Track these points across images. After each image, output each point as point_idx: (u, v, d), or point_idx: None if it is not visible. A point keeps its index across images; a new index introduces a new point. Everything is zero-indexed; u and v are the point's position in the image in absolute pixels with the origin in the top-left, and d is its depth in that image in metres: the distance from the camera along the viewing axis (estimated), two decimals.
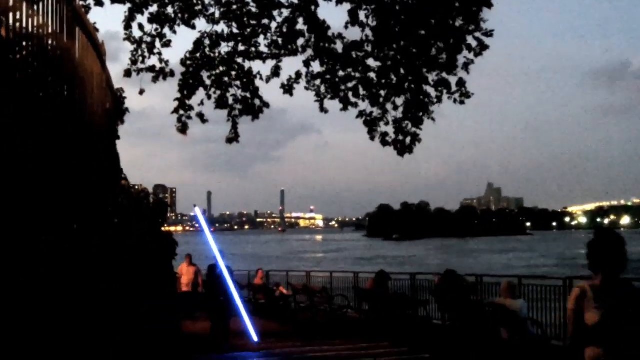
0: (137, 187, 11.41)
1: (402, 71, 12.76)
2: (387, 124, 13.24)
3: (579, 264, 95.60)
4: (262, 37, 13.22)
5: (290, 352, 12.60)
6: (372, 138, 13.38)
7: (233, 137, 14.05)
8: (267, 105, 13.92)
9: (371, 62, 12.95)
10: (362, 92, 13.08)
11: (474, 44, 11.79)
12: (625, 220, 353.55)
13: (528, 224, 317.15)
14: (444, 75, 12.41)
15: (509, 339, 11.86)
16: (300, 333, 16.10)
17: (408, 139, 13.16)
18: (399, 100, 13.14)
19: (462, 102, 12.62)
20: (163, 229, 12.00)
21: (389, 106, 13.18)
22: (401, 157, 13.31)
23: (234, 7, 12.99)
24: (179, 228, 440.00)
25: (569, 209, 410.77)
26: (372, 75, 12.99)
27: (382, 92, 13.13)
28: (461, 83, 12.43)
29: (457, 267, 16.80)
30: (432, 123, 13.10)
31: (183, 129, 13.99)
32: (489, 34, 11.60)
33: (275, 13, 12.80)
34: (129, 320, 8.53)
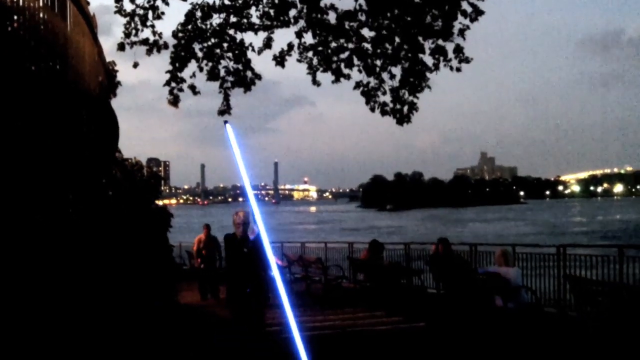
0: (130, 160, 11.39)
1: (397, 40, 12.74)
2: (384, 93, 13.25)
3: (567, 232, 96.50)
4: (253, 8, 13.15)
5: (285, 322, 12.67)
6: (372, 109, 13.40)
7: (225, 109, 14.01)
8: (259, 77, 13.87)
9: (365, 32, 12.92)
10: (356, 62, 13.07)
11: (468, 9, 11.79)
12: (619, 188, 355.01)
13: (522, 193, 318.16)
14: (440, 42, 12.41)
15: (503, 307, 11.95)
16: (295, 304, 16.17)
17: (406, 108, 13.18)
18: (395, 70, 13.15)
19: (458, 69, 12.63)
20: (157, 201, 11.97)
21: (385, 76, 13.19)
22: (400, 126, 13.34)
23: None
24: (173, 201, 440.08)
25: (563, 178, 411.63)
26: (367, 45, 12.97)
27: (378, 62, 13.13)
28: (459, 49, 12.44)
29: (448, 236, 16.84)
30: (428, 91, 13.13)
31: (174, 101, 13.96)
32: None
33: None
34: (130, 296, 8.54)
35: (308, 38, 13.11)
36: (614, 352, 9.31)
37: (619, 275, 12.25)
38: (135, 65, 13.75)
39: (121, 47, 13.36)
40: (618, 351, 9.30)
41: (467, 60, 12.60)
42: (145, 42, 13.48)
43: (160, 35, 13.55)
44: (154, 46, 13.52)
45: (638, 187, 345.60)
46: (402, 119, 13.22)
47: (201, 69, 13.72)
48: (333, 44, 13.10)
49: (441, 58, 12.52)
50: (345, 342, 10.82)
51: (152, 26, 13.43)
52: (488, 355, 9.51)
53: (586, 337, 10.61)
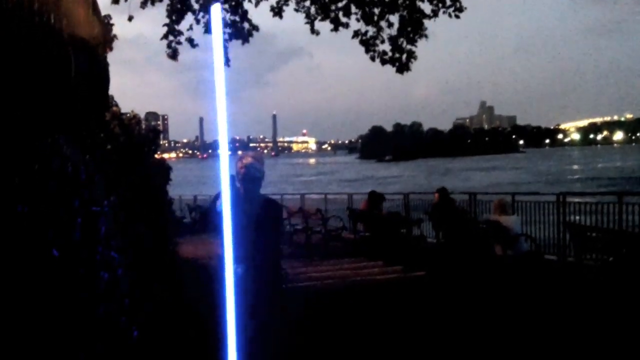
0: (128, 114, 11.33)
1: None
2: (383, 42, 13.17)
3: (566, 180, 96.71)
4: None
5: (286, 273, 12.73)
6: (373, 58, 13.33)
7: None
8: (256, 28, 13.76)
9: None
10: (354, 10, 12.97)
11: None
12: (619, 135, 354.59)
13: (521, 142, 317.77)
14: None
15: (503, 255, 12.02)
16: (296, 254, 16.27)
17: (404, 57, 13.11)
18: (393, 18, 13.06)
19: (457, 16, 12.53)
20: (156, 155, 11.93)
21: (383, 24, 13.10)
22: (400, 74, 13.28)
23: None
24: (172, 155, 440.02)
25: (562, 126, 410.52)
26: None
27: (376, 10, 13.03)
28: None
29: (445, 186, 16.83)
30: (428, 41, 13.06)
31: (173, 54, 13.89)
32: None
33: None
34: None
35: None
36: (612, 296, 9.39)
37: (618, 222, 12.29)
38: (130, 18, 13.61)
39: (115, 0, 13.22)
40: (616, 296, 9.38)
41: (460, 9, 12.54)
42: None
43: None
44: None
45: (638, 134, 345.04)
46: (402, 67, 13.16)
47: (198, 22, 13.61)
48: None
49: (440, 5, 12.45)
50: (345, 292, 10.90)
51: None
52: (488, 303, 9.60)
53: (586, 283, 10.70)
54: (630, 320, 8.17)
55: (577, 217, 13.40)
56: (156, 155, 11.85)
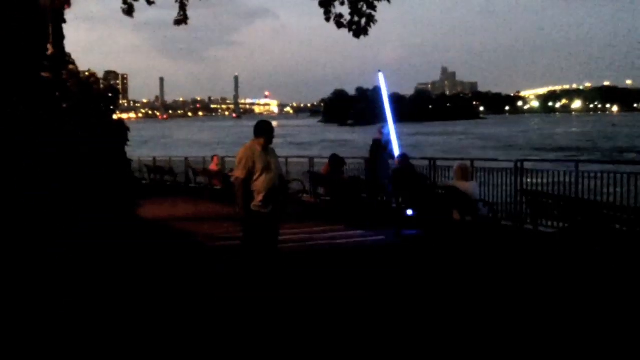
0: (86, 72, 11.12)
1: None
2: (342, 3, 12.99)
3: (524, 147, 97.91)
4: None
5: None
6: (328, 19, 13.15)
7: (181, 19, 13.71)
8: None
9: None
10: None
11: None
12: (577, 104, 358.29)
13: (482, 109, 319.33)
14: None
15: (461, 220, 12.11)
16: None
17: (363, 20, 12.96)
18: None
19: None
20: (115, 115, 11.75)
21: None
22: (357, 38, 13.12)
23: None
24: (132, 115, 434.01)
25: (522, 93, 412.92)
26: None
27: None
28: None
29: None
30: (392, 5, 12.91)
31: (129, 10, 13.62)
32: None
33: None
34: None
35: None
36: (566, 262, 9.53)
37: (575, 189, 12.42)
38: None
39: None
40: (570, 262, 9.53)
41: None
42: None
43: None
44: None
45: (596, 103, 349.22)
46: (359, 31, 12.99)
47: None
48: None
49: None
50: (304, 256, 10.91)
51: None
52: (446, 266, 9.69)
53: (540, 249, 10.85)
54: (581, 284, 8.31)
55: (534, 182, 13.51)
56: (115, 115, 11.69)
